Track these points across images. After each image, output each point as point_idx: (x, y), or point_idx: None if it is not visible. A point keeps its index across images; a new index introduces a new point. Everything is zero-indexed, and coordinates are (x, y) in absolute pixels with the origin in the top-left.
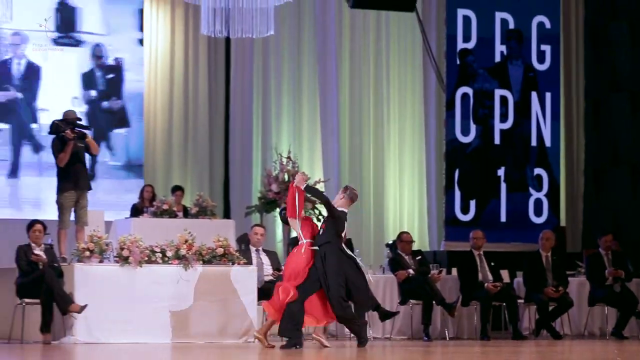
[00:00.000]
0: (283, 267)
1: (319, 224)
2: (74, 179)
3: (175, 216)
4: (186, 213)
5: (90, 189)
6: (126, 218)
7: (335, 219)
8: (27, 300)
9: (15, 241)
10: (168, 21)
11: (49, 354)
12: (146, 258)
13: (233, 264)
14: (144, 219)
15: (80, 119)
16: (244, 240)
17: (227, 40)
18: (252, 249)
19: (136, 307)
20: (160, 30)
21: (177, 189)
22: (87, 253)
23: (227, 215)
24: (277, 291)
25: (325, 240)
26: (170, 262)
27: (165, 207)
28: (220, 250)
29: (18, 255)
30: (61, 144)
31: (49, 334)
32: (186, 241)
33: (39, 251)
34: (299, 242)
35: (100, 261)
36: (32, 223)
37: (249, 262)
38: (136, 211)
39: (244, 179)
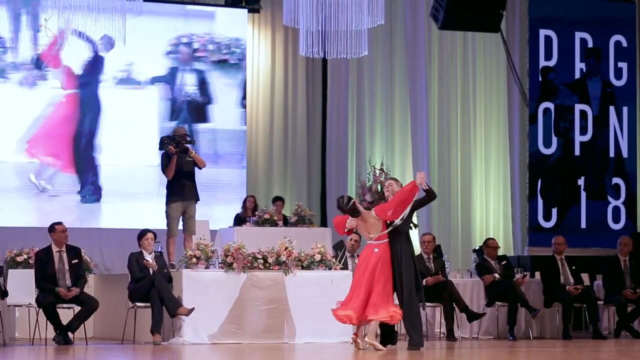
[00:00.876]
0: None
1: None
2: (180, 191)
3: (276, 225)
4: (286, 222)
5: (198, 200)
6: (230, 227)
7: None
8: (138, 303)
9: (128, 249)
10: (269, 43)
11: (158, 354)
12: (249, 264)
13: (330, 269)
14: (247, 228)
15: (187, 135)
16: (340, 247)
17: (324, 60)
18: (348, 254)
19: (239, 310)
20: (262, 52)
21: (278, 200)
22: (194, 260)
23: (324, 223)
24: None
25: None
26: (271, 267)
27: (266, 216)
28: (317, 257)
29: (130, 262)
30: (167, 158)
31: (158, 335)
32: (286, 248)
33: (149, 258)
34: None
35: (207, 267)
36: (144, 232)
37: (345, 267)
38: (239, 220)
39: (340, 189)
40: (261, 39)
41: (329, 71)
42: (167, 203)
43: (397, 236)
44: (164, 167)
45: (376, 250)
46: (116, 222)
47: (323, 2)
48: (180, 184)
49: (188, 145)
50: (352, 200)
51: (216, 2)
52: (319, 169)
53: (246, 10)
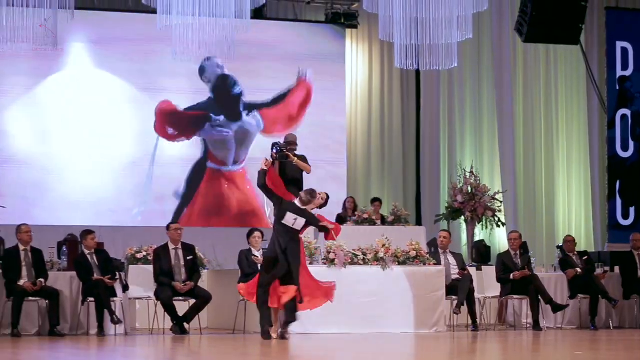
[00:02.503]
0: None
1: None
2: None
3: (374, 224)
4: (384, 221)
5: None
6: None
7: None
8: None
9: (238, 247)
10: (366, 56)
11: (267, 343)
12: (349, 260)
13: (424, 264)
14: (347, 227)
15: (293, 143)
16: (433, 244)
17: (417, 72)
18: (440, 251)
19: (341, 302)
20: (360, 64)
21: (376, 200)
22: None
23: (419, 222)
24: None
25: None
26: (370, 263)
27: (365, 216)
28: (413, 253)
29: (240, 258)
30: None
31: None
32: (384, 245)
33: (258, 255)
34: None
35: (310, 263)
36: (252, 231)
37: (438, 263)
38: (340, 220)
39: (433, 191)
40: (359, 52)
41: (422, 81)
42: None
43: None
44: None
45: None
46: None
47: (416, 18)
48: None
49: (289, 153)
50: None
51: (317, 19)
52: (413, 172)
53: (345, 27)
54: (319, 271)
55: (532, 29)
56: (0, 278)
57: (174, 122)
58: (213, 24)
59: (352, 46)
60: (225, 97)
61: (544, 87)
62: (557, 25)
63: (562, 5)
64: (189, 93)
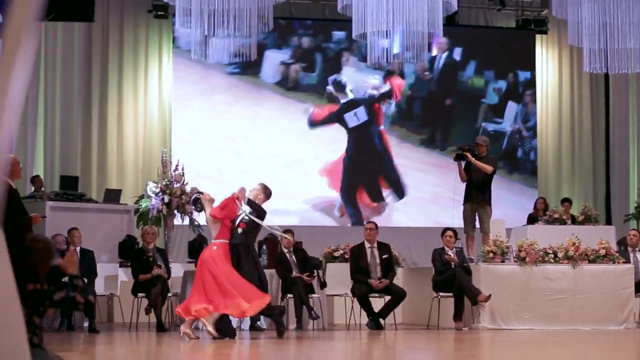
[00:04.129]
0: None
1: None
2: (470, 194)
3: (565, 223)
4: (574, 220)
5: (487, 203)
6: (523, 225)
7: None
8: (442, 293)
9: (431, 246)
10: (556, 61)
11: (460, 338)
12: (540, 258)
13: (613, 262)
14: (538, 226)
15: (470, 147)
16: (623, 243)
17: (606, 75)
18: (630, 249)
19: (531, 299)
20: (550, 69)
21: (566, 201)
22: (491, 255)
23: (608, 221)
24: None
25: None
26: (560, 261)
27: (556, 215)
28: (602, 252)
29: (434, 257)
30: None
31: (460, 321)
32: (574, 244)
33: (451, 253)
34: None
35: (502, 261)
36: (445, 230)
37: (627, 261)
38: (532, 220)
39: (622, 191)
40: (549, 57)
41: (610, 85)
42: (463, 204)
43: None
44: (461, 172)
45: (214, 248)
46: (421, 221)
47: (604, 22)
48: (470, 188)
49: (467, 153)
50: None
51: (508, 26)
52: (603, 173)
53: (535, 32)
54: (510, 269)
55: None
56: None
57: None
58: (407, 31)
59: (542, 51)
60: None
61: None
62: None
63: None
64: None
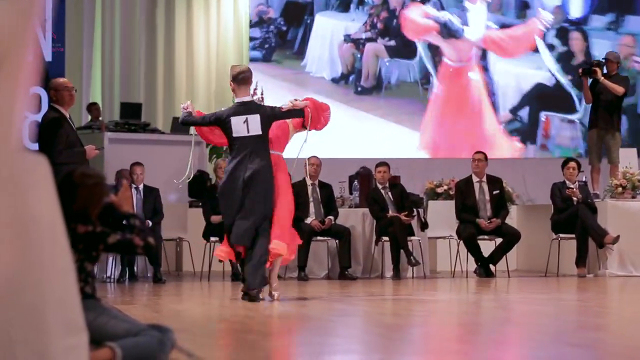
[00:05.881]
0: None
1: None
2: (596, 120)
3: None
4: None
5: (617, 129)
6: None
7: None
8: (562, 235)
9: (551, 179)
10: None
11: (583, 286)
12: None
13: None
14: None
15: (600, 62)
16: None
17: None
18: None
19: None
20: None
21: None
22: (620, 189)
23: None
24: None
25: None
26: None
27: None
28: None
29: (553, 192)
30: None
31: (583, 267)
32: None
33: (574, 187)
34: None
35: (633, 197)
36: (567, 161)
37: None
38: None
39: None
40: None
41: None
42: (588, 130)
43: None
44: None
45: None
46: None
47: None
48: (597, 113)
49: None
50: None
51: None
52: None
53: None
54: None
55: None
56: None
57: None
58: None
59: None
60: None
61: None
62: None
63: None
64: None
